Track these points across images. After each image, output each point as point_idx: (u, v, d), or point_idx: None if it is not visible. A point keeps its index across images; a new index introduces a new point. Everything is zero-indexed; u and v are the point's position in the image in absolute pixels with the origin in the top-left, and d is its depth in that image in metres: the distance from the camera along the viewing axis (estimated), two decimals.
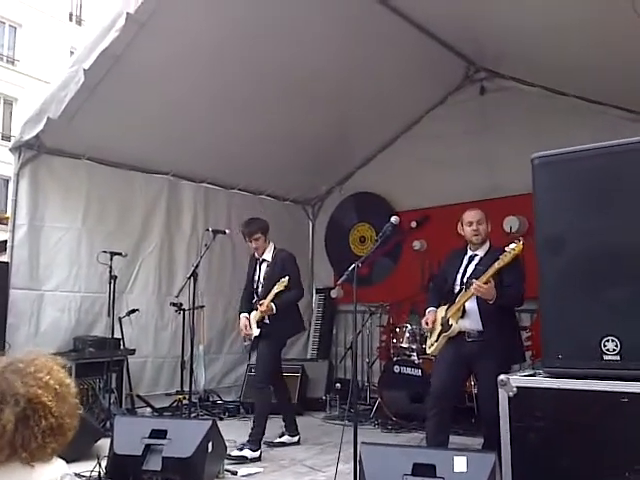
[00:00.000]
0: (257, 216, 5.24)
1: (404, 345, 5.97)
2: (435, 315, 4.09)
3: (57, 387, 1.72)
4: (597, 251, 2.39)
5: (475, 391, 5.28)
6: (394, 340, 6.19)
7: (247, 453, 4.50)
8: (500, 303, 3.73)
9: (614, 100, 5.55)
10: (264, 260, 5.03)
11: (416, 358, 5.81)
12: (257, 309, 4.85)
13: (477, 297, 3.81)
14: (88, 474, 3.64)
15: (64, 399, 1.74)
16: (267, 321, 4.86)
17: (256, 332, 4.85)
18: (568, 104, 5.90)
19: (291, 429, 5.10)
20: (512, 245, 3.61)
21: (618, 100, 5.50)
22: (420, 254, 7.18)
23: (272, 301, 4.74)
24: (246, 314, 4.97)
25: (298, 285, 4.95)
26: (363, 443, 3.11)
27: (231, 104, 5.81)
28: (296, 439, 5.09)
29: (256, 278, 5.05)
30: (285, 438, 5.05)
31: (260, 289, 4.97)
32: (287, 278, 4.69)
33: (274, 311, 4.76)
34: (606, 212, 2.38)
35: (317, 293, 8.25)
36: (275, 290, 4.70)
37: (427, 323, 4.10)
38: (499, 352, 3.74)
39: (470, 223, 4.03)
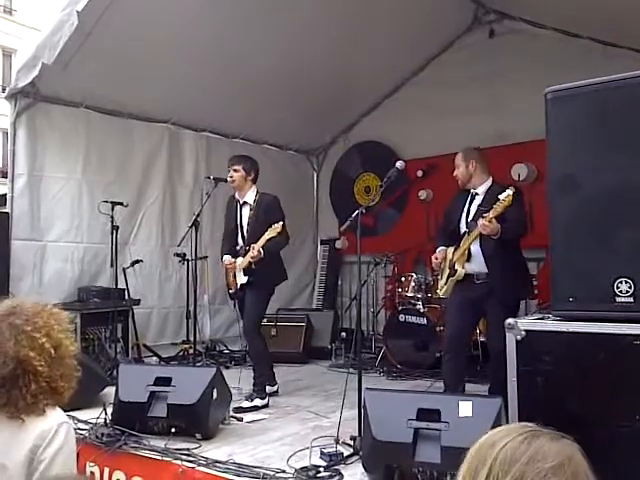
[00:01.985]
0: (260, 166, 4.98)
1: (409, 294, 5.95)
2: (445, 253, 4.13)
3: (52, 350, 1.67)
4: (613, 190, 2.28)
5: (481, 338, 5.28)
6: (399, 290, 6.16)
7: (257, 402, 4.45)
8: (505, 237, 3.72)
9: (630, 42, 5.32)
10: (245, 203, 4.73)
11: (421, 307, 5.80)
12: (244, 256, 4.58)
13: (480, 240, 3.83)
14: (94, 421, 3.66)
15: (60, 362, 1.69)
16: (254, 267, 4.53)
17: (243, 280, 4.62)
18: (581, 47, 5.68)
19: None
20: (503, 195, 3.58)
21: (635, 42, 5.27)
22: (426, 204, 7.08)
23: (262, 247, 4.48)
24: (229, 257, 4.71)
25: (284, 232, 4.61)
26: (367, 389, 3.10)
27: (233, 49, 5.60)
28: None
29: (239, 223, 4.76)
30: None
31: (245, 235, 4.68)
32: (281, 224, 4.41)
33: (262, 255, 4.47)
34: (625, 148, 2.26)
35: (322, 244, 8.18)
36: (267, 236, 4.42)
37: (437, 258, 4.13)
38: (505, 291, 3.80)
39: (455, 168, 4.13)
